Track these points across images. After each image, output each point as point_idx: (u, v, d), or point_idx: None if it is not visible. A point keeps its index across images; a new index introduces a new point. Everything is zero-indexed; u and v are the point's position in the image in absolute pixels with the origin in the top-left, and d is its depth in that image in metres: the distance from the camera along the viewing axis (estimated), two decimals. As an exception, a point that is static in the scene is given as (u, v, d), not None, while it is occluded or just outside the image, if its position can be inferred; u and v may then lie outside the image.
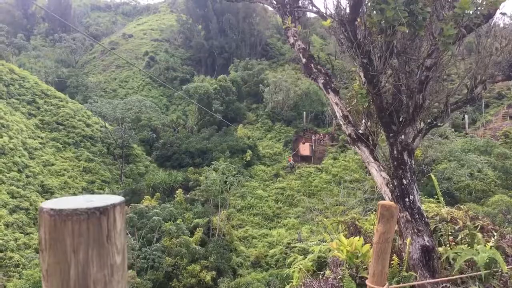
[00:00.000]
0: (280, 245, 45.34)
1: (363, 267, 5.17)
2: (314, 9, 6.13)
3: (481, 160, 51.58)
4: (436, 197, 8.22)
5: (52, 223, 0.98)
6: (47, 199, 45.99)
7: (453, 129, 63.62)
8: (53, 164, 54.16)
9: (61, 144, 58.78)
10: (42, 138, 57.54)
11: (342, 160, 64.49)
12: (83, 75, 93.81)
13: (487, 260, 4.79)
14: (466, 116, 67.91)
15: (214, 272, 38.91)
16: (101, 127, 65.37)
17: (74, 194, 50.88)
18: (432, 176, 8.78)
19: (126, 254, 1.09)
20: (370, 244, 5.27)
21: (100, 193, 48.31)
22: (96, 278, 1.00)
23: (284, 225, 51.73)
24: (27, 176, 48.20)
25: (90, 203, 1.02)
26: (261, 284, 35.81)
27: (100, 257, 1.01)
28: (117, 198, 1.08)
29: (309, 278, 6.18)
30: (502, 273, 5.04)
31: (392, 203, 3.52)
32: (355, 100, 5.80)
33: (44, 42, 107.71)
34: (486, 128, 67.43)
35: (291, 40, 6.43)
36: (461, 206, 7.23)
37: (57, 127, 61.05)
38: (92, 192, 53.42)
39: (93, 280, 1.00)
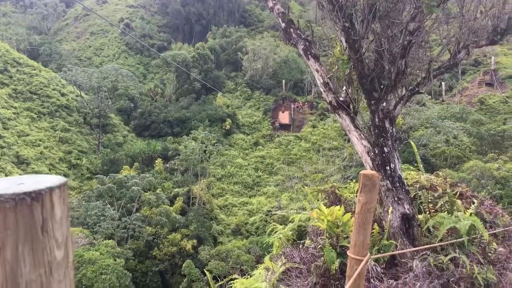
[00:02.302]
0: (260, 212, 45.78)
1: (344, 236, 5.12)
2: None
3: (456, 127, 52.40)
4: (414, 163, 8.22)
5: (-31, 213, 0.80)
6: (23, 170, 45.27)
7: (430, 96, 64.28)
8: (28, 135, 53.01)
9: (35, 114, 57.44)
10: (15, 108, 56.07)
11: (321, 128, 64.75)
12: (56, 42, 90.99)
13: (468, 227, 4.79)
14: (443, 83, 68.55)
15: (194, 241, 39.16)
16: (76, 96, 63.94)
17: (51, 164, 50.13)
18: (412, 143, 8.78)
19: (71, 246, 0.92)
20: (350, 213, 5.21)
21: (77, 164, 47.45)
22: (29, 278, 0.83)
23: (264, 193, 52.11)
24: (2, 147, 47.08)
25: (20, 187, 0.84)
26: (241, 252, 36.22)
27: (34, 253, 0.83)
28: (57, 179, 0.89)
29: (289, 247, 6.14)
30: (481, 239, 5.06)
31: (374, 172, 3.41)
32: (336, 67, 5.63)
33: (15, 8, 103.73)
34: (462, 95, 68.30)
35: (270, 3, 6.17)
36: (440, 173, 7.23)
37: (31, 97, 59.49)
38: (69, 162, 52.71)
39: (26, 281, 0.83)
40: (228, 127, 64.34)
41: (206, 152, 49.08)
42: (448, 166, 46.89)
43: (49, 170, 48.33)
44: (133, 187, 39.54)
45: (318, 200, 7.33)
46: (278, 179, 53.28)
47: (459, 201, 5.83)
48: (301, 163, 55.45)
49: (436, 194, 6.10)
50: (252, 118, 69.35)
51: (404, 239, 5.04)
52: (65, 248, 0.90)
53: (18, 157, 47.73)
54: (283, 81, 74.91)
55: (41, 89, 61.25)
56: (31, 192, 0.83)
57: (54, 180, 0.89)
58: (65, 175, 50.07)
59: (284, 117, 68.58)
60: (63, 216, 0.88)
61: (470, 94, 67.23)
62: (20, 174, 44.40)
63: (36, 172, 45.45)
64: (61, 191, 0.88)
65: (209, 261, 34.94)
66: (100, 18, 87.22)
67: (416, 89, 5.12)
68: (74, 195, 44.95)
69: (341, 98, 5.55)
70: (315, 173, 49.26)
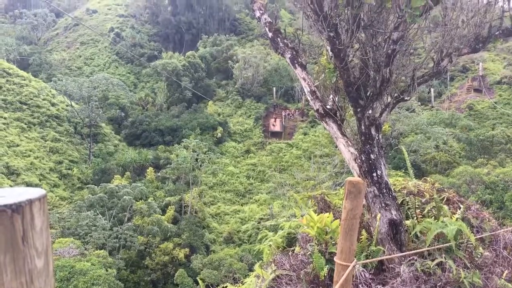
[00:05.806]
0: (253, 220, 45.69)
1: (332, 242, 5.17)
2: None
3: (446, 132, 52.86)
4: (404, 170, 8.32)
5: (-49, 224, 0.83)
6: (13, 180, 44.86)
7: (419, 103, 64.81)
8: (18, 145, 52.63)
9: (25, 124, 57.08)
10: (5, 118, 55.69)
11: (312, 135, 64.97)
12: (46, 52, 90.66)
13: (454, 232, 4.86)
14: (431, 89, 69.16)
15: (187, 249, 39.00)
16: (67, 106, 63.66)
17: (42, 175, 49.75)
18: (403, 149, 8.86)
19: (51, 256, 0.96)
20: (339, 219, 5.26)
21: (68, 174, 47.14)
22: (11, 287, 0.86)
23: (256, 201, 52.06)
24: (-9, 158, 46.71)
25: (1, 200, 0.87)
26: (234, 260, 36.11)
27: (15, 262, 0.86)
28: (36, 192, 0.92)
29: (279, 254, 6.17)
30: (468, 244, 5.13)
31: (360, 179, 3.47)
32: (323, 75, 5.71)
33: (4, 18, 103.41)
34: (451, 101, 68.94)
35: (257, 13, 6.25)
36: (428, 179, 7.32)
37: (21, 107, 59.15)
38: (60, 172, 52.36)
39: None
40: (219, 135, 64.35)
41: (198, 160, 49.04)
42: (438, 171, 47.21)
43: (40, 180, 47.98)
44: (124, 197, 39.38)
45: (308, 207, 7.38)
46: (270, 187, 53.29)
47: (445, 207, 5.90)
48: (292, 170, 55.54)
49: (423, 200, 6.17)
50: (243, 126, 69.42)
51: (391, 245, 5.09)
52: (45, 257, 0.93)
53: (8, 168, 47.33)
54: (274, 88, 75.18)
55: (31, 99, 60.94)
56: (12, 204, 0.85)
57: (34, 192, 0.92)
58: (56, 185, 49.74)
59: (275, 125, 68.76)
60: (43, 227, 0.92)
61: (459, 100, 67.88)
62: (10, 185, 44.01)
63: (27, 183, 45.07)
64: (40, 203, 0.92)
65: (202, 270, 34.80)
66: (90, 28, 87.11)
67: (401, 96, 5.21)
68: (65, 205, 44.63)
69: (328, 106, 5.62)
70: (307, 180, 49.34)
